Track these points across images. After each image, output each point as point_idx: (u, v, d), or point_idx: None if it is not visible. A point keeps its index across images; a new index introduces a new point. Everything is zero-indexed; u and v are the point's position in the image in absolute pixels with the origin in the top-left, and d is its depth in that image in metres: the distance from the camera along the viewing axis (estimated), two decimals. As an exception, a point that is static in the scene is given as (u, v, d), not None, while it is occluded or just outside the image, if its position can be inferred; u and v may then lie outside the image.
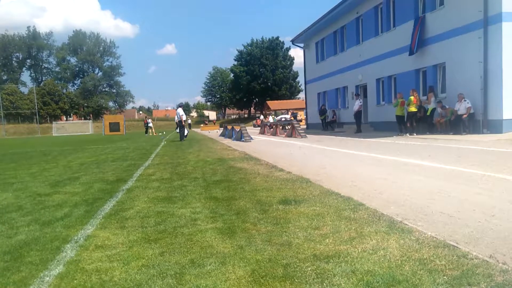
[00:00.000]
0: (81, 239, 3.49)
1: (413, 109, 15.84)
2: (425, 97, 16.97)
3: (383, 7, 20.89)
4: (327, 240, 3.12)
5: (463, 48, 14.92)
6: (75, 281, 2.58)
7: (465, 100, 14.37)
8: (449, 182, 5.37)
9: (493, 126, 13.69)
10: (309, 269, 2.56)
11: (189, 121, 19.08)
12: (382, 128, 20.32)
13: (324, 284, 2.33)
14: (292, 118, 35.89)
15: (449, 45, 15.72)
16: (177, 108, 21.71)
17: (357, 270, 2.49)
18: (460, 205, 4.07)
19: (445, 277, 2.34)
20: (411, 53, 17.92)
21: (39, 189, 6.40)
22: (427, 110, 16.30)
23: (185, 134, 21.26)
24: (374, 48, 21.62)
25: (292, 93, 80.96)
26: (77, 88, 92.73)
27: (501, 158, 7.69)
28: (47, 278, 2.64)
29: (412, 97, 15.79)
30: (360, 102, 20.93)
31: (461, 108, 14.48)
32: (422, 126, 16.58)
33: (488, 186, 4.94)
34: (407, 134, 15.73)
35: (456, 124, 14.71)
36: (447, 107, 15.35)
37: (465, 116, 14.30)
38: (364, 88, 23.60)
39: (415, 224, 3.45)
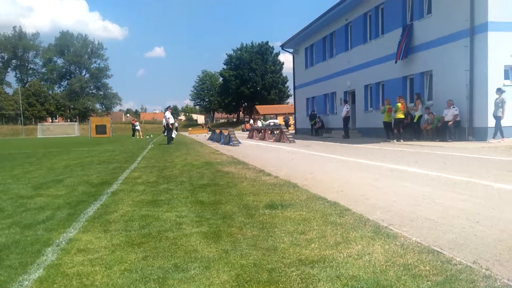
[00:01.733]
0: (63, 242, 3.42)
1: (400, 115, 16.00)
2: (412, 104, 17.16)
3: (371, 15, 21.13)
4: (312, 245, 3.11)
5: (450, 56, 15.14)
6: (55, 285, 2.52)
7: (453, 107, 14.56)
8: (434, 188, 5.42)
9: (479, 134, 13.89)
10: (294, 274, 2.54)
11: (176, 124, 18.92)
12: (369, 134, 20.48)
13: (309, 289, 2.31)
14: (283, 123, 35.54)
15: (436, 53, 15.95)
16: (165, 111, 21.61)
17: (342, 275, 2.48)
18: (445, 211, 4.10)
19: (429, 282, 2.34)
20: (396, 61, 18.14)
21: (21, 191, 6.27)
22: (414, 116, 16.47)
23: (173, 136, 21.09)
24: (362, 54, 21.82)
25: (281, 98, 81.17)
26: (63, 90, 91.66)
27: (486, 165, 7.79)
28: (26, 282, 2.58)
29: (399, 104, 15.96)
30: (347, 108, 21.07)
31: (449, 114, 14.66)
32: (409, 133, 16.75)
33: (472, 193, 4.99)
34: (394, 141, 15.87)
35: (443, 131, 14.90)
36: (434, 114, 15.54)
37: (450, 123, 14.49)
38: (353, 94, 23.78)
39: (400, 229, 3.47)
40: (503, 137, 13.04)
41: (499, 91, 13.09)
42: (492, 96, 13.41)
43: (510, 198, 4.65)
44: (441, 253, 2.83)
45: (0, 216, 4.54)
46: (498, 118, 13.12)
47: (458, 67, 14.58)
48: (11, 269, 2.83)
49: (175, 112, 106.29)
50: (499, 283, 2.29)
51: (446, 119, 14.76)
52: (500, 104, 13.00)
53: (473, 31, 13.94)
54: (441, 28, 15.54)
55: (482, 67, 13.75)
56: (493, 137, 13.12)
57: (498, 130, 13.15)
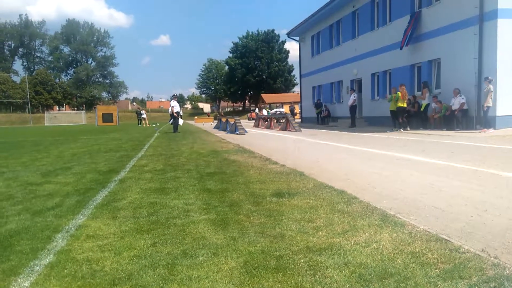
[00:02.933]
0: (72, 228, 3.46)
1: (401, 104, 15.82)
2: (419, 93, 17.01)
3: (379, 2, 20.84)
4: (320, 232, 3.11)
5: (459, 44, 14.94)
6: (65, 271, 2.55)
7: (460, 96, 14.42)
8: (442, 177, 5.39)
9: (487, 122, 13.76)
10: (302, 261, 2.55)
11: (181, 112, 18.91)
12: (376, 123, 20.37)
13: (317, 276, 2.32)
14: (289, 111, 35.49)
15: (444, 40, 15.73)
16: (171, 99, 21.61)
17: (350, 263, 2.49)
18: (452, 200, 4.09)
19: (437, 270, 2.34)
20: (401, 47, 17.95)
21: (30, 178, 6.33)
22: (421, 105, 16.34)
23: (180, 124, 21.01)
24: (369, 42, 21.59)
25: (287, 86, 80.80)
26: (70, 78, 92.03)
27: (494, 154, 7.74)
28: (37, 267, 2.61)
29: (399, 93, 15.77)
30: (354, 97, 20.94)
31: (456, 103, 14.54)
32: (416, 122, 16.64)
33: (480, 182, 4.96)
34: (401, 129, 15.77)
35: (450, 120, 14.78)
36: (442, 102, 15.40)
37: (457, 111, 14.37)
38: (359, 82, 23.60)
39: (407, 218, 3.46)
40: (485, 127, 13.03)
41: (487, 79, 13.03)
42: (501, 85, 13.28)
43: (519, 187, 4.61)
44: (449, 241, 2.82)
45: (10, 202, 4.59)
46: (487, 108, 13.13)
47: (467, 55, 14.39)
48: (22, 254, 2.88)
49: (180, 100, 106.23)
50: (508, 272, 2.29)
51: (453, 108, 14.63)
52: (487, 93, 13.00)
53: (482, 18, 13.71)
54: (450, 15, 15.30)
55: (491, 55, 13.56)
56: (489, 127, 13.05)
57: (485, 119, 13.23)
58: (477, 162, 6.64)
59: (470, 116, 14.37)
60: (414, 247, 2.72)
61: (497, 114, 13.47)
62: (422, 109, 16.24)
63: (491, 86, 12.98)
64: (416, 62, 17.94)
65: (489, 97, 12.99)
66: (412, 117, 16.63)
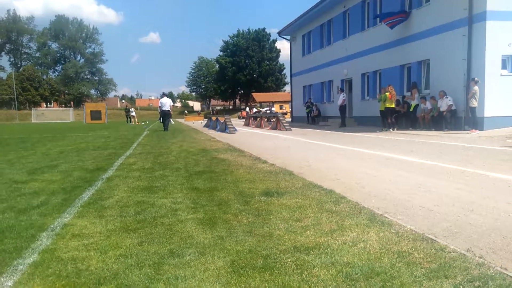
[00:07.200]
0: (58, 227, 3.41)
1: (388, 104, 15.90)
2: (409, 93, 17.14)
3: (370, 2, 20.94)
4: (308, 232, 3.12)
5: (448, 45, 15.08)
6: (50, 270, 2.51)
7: (446, 97, 14.58)
8: (430, 177, 5.44)
9: (475, 123, 13.92)
10: (289, 260, 2.55)
11: (171, 111, 18.62)
12: (366, 123, 20.48)
13: (304, 275, 2.32)
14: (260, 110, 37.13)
15: (434, 41, 15.88)
16: (161, 97, 21.51)
17: (337, 262, 2.50)
18: (439, 199, 4.12)
19: (422, 269, 2.36)
20: (375, 17, 18.77)
21: (15, 176, 6.23)
22: (410, 106, 16.46)
23: (161, 121, 20.62)
24: (360, 42, 21.69)
25: (277, 85, 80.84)
26: (58, 75, 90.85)
27: (481, 155, 7.83)
28: (21, 267, 2.57)
29: (387, 93, 15.85)
30: (344, 97, 21.01)
31: (443, 105, 14.70)
32: (405, 122, 16.77)
33: (467, 182, 5.02)
34: (391, 130, 15.88)
35: (439, 120, 14.93)
36: (435, 99, 15.48)
37: (445, 112, 14.53)
38: (350, 82, 23.71)
39: (395, 217, 3.48)
40: (475, 128, 13.18)
41: (473, 80, 13.21)
42: (489, 86, 13.45)
43: (505, 187, 4.68)
44: (435, 241, 2.85)
45: (-5, 200, 4.51)
46: (473, 109, 13.29)
47: (456, 56, 14.53)
48: (6, 253, 2.82)
49: (171, 98, 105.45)
50: (492, 271, 2.31)
51: (441, 109, 14.78)
52: (473, 94, 13.20)
53: (471, 20, 13.86)
54: (439, 16, 15.44)
55: (479, 57, 13.71)
56: (474, 128, 13.23)
57: (473, 120, 13.43)
58: (465, 162, 6.72)
59: (458, 117, 14.52)
60: (400, 247, 2.73)
61: (485, 115, 13.63)
62: (411, 109, 16.36)
63: (476, 87, 13.15)
64: (406, 62, 18.08)
65: (473, 97, 13.16)
66: (401, 118, 16.74)
